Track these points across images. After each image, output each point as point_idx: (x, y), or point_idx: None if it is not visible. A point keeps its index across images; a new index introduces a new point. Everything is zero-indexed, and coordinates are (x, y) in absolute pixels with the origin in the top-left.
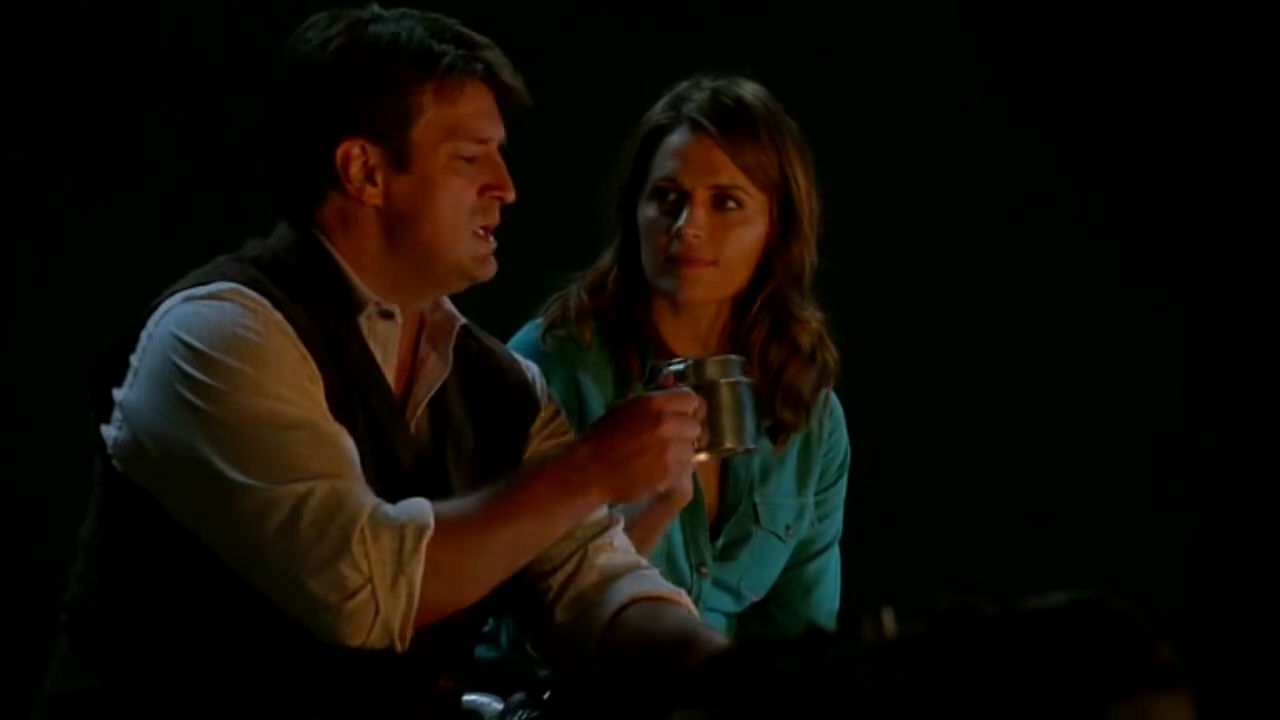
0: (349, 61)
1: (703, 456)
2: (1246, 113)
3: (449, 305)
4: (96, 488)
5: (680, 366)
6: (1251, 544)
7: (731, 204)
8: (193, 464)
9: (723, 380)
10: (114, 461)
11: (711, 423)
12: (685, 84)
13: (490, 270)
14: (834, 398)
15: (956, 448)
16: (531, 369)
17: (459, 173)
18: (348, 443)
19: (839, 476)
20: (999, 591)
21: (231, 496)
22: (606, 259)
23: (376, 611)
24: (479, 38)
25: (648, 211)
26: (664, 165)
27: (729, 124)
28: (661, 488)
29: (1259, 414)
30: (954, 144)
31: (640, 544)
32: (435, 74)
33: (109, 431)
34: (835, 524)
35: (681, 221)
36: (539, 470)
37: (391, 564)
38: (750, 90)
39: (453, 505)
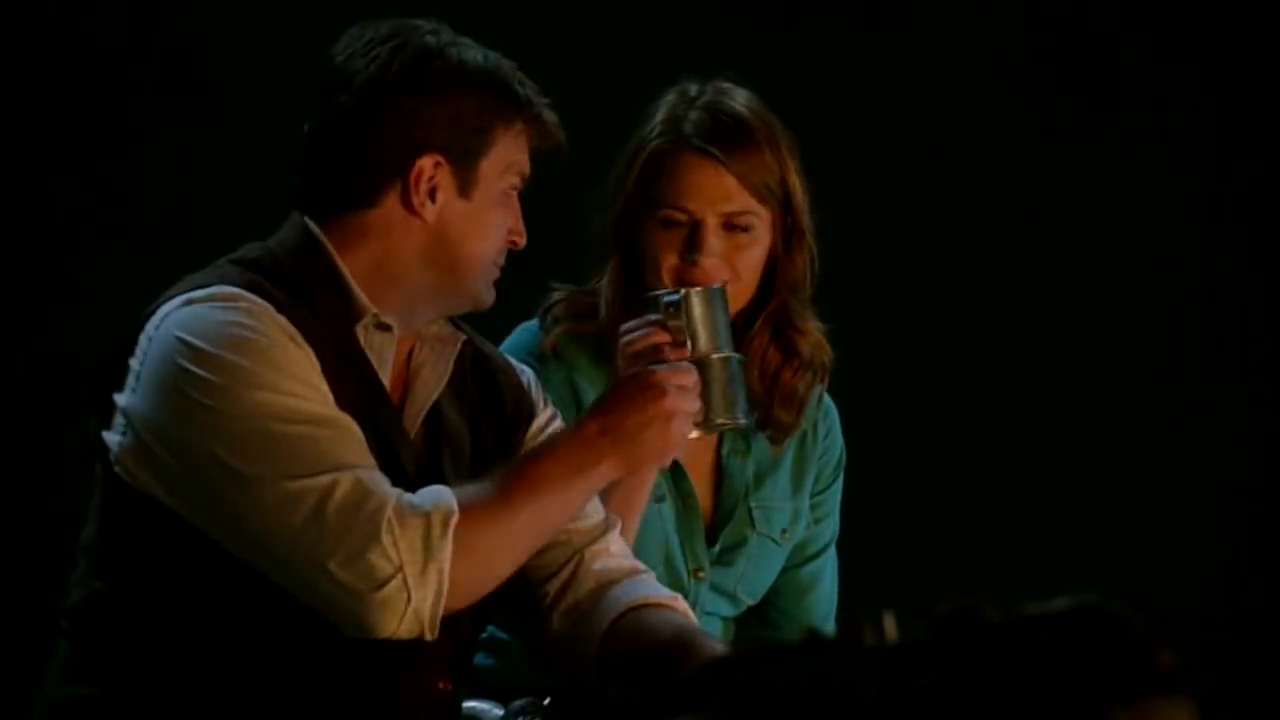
0: (445, 83)
1: (695, 434)
2: (1247, 113)
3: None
4: (97, 493)
5: (675, 298)
6: (1252, 545)
7: (741, 226)
8: (207, 464)
9: (714, 355)
10: (117, 467)
11: (705, 397)
12: (672, 96)
13: (491, 301)
14: (829, 399)
15: (956, 450)
16: (526, 374)
17: (505, 206)
18: (360, 434)
19: (835, 478)
20: (999, 596)
21: (251, 493)
22: (608, 275)
23: (408, 600)
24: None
25: (655, 236)
26: (671, 192)
27: (733, 146)
28: (667, 461)
29: (1260, 413)
30: (953, 142)
31: (624, 510)
32: (521, 114)
33: (111, 436)
34: (832, 526)
35: (696, 250)
36: (550, 449)
37: (421, 551)
38: (744, 102)
39: (471, 490)
